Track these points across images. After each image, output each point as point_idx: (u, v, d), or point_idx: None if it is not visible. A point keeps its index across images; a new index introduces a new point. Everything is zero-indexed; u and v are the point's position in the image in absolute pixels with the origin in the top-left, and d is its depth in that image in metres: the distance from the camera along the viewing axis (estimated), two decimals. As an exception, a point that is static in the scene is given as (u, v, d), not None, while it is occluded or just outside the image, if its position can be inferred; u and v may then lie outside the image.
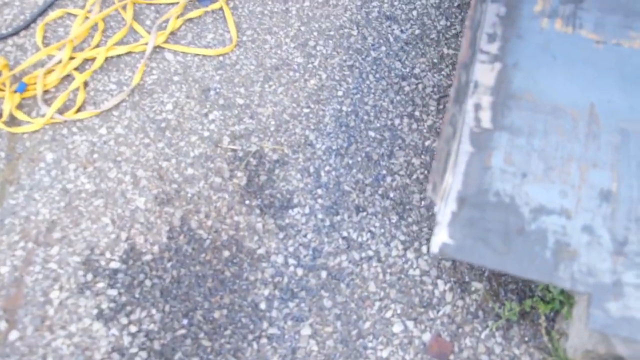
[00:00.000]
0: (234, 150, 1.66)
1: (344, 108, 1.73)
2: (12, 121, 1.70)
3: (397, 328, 1.39)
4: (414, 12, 1.90)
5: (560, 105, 1.10)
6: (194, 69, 1.80)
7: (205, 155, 1.66)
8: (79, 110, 1.71)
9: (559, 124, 1.08)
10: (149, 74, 1.79)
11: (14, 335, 1.40)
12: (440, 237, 0.95)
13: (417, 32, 1.86)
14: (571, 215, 0.99)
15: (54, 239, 1.53)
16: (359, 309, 1.42)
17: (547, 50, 1.17)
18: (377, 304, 1.43)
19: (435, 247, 0.95)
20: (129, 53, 1.82)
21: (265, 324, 1.41)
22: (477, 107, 1.09)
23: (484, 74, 1.12)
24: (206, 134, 1.69)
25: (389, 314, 1.41)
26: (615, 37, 1.19)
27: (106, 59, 1.80)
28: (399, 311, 1.41)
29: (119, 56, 1.81)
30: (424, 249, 1.48)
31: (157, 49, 1.83)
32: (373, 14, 1.89)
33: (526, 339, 1.34)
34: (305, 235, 1.53)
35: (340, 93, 1.75)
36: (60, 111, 1.71)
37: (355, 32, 1.86)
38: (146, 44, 1.81)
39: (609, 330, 0.87)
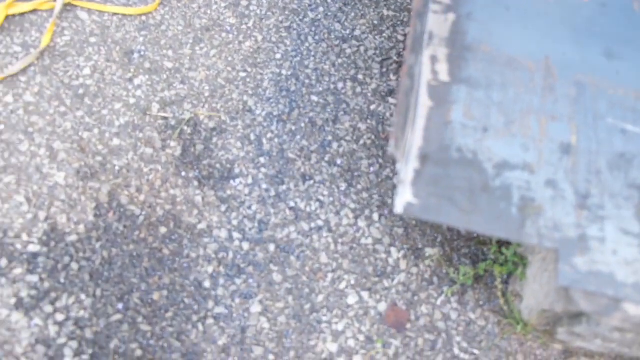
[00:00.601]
0: (165, 119, 1.52)
1: (284, 72, 1.63)
2: None
3: (351, 299, 1.34)
4: (351, -28, 1.82)
5: (516, 57, 1.08)
6: (113, 29, 1.62)
7: (133, 124, 1.50)
8: (-22, 75, 1.48)
9: (516, 76, 1.06)
10: (61, 34, 1.58)
11: None
12: (405, 196, 0.90)
13: (355, -7, 1.79)
14: (534, 169, 0.97)
15: (-45, 223, 1.32)
16: (311, 282, 1.36)
17: (500, 1, 1.14)
18: (330, 275, 1.37)
19: (399, 207, 0.89)
20: (34, 11, 1.59)
21: (210, 304, 1.31)
22: (434, 59, 1.04)
23: (438, 24, 1.07)
24: (132, 100, 1.53)
25: (342, 286, 1.36)
26: (565, -10, 1.18)
27: (7, 17, 1.57)
28: (352, 282, 1.36)
29: (22, 14, 1.59)
30: (375, 216, 1.44)
31: (68, 7, 1.62)
32: (309, -27, 1.79)
33: (481, 302, 1.34)
34: (249, 207, 1.43)
35: (278, 56, 1.65)
36: (-45, 76, 1.47)
37: (291, -8, 1.76)
38: (54, 0, 1.59)
39: (578, 285, 0.87)
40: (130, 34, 1.62)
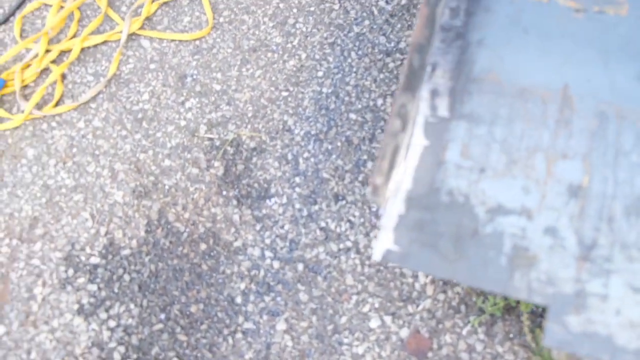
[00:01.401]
0: (211, 139, 1.62)
1: (324, 90, 1.64)
2: (-6, 118, 1.70)
3: (374, 323, 1.34)
4: (401, -20, 1.77)
5: (529, 87, 1.00)
6: (170, 55, 1.75)
7: (182, 145, 1.62)
8: (57, 104, 1.70)
9: (526, 108, 0.98)
10: (126, 63, 1.75)
11: (0, 330, 1.44)
12: (384, 243, 0.89)
13: (403, 1, 1.74)
14: (533, 215, 0.90)
15: (36, 235, 1.54)
16: (335, 303, 1.38)
17: (518, 23, 1.06)
18: (355, 297, 1.38)
19: (377, 254, 0.89)
20: (105, 42, 1.78)
21: (240, 319, 1.40)
22: (434, 93, 1.00)
23: (444, 54, 1.02)
24: (183, 123, 1.65)
25: (366, 309, 1.36)
26: (598, 4, 1.06)
27: (82, 49, 1.77)
28: (376, 305, 1.36)
29: (95, 46, 1.78)
30: (403, 238, 1.41)
31: (133, 36, 1.78)
32: (356, -16, 1.77)
33: (511, 335, 1.27)
34: (282, 227, 1.49)
35: (320, 74, 1.67)
36: (39, 106, 1.70)
37: (337, 6, 1.76)
38: (121, 31, 1.76)
39: (567, 347, 0.80)
40: (185, 59, 1.74)
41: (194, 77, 1.71)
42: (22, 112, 1.69)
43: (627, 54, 1.01)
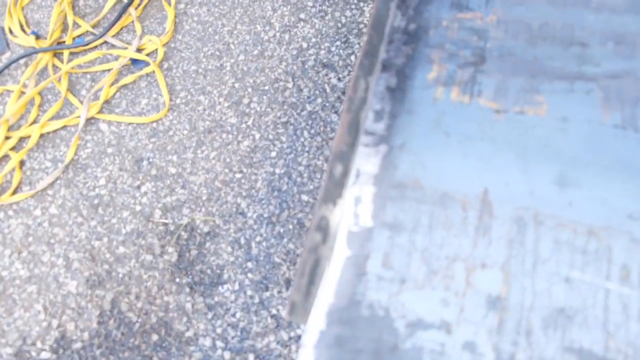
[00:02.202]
0: (165, 224, 1.62)
1: (277, 170, 1.66)
2: (-48, 208, 1.71)
3: (323, 416, 1.31)
4: (352, 57, 1.80)
5: (450, 193, 1.00)
6: (128, 138, 1.77)
7: (137, 231, 1.62)
8: (14, 192, 1.71)
9: (447, 215, 0.98)
10: (84, 147, 1.77)
11: None
12: (305, 362, 0.88)
13: (355, 78, 1.76)
14: (452, 329, 0.89)
15: (-12, 330, 1.53)
16: (285, 396, 1.36)
17: (439, 126, 1.07)
18: (305, 389, 1.35)
19: (298, 375, 0.87)
20: (64, 127, 1.80)
21: (190, 415, 1.37)
22: (357, 200, 1.00)
23: (368, 159, 1.03)
24: (138, 208, 1.66)
25: (315, 400, 1.33)
26: (518, 104, 1.08)
27: (42, 135, 1.79)
28: (326, 397, 1.33)
29: (54, 131, 1.80)
30: (353, 326, 1.40)
31: (92, 120, 1.81)
32: (309, 62, 1.81)
33: None
34: (234, 315, 1.47)
35: (273, 154, 1.68)
36: (-3, 194, 1.71)
37: (290, 85, 1.79)
38: (79, 116, 1.79)
39: None
40: (142, 142, 1.76)
41: (150, 160, 1.73)
42: (-20, 201, 1.70)
43: (545, 157, 1.02)
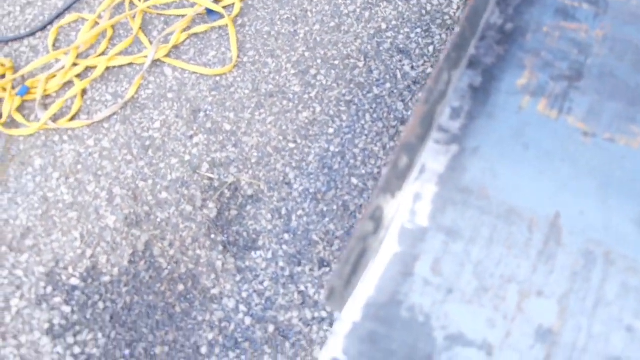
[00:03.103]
0: (210, 179, 1.61)
1: (332, 148, 1.62)
2: (12, 123, 1.75)
3: (331, 403, 1.29)
4: (430, 48, 1.73)
5: (517, 209, 0.94)
6: (189, 87, 1.76)
7: (182, 180, 1.62)
8: (72, 118, 1.73)
9: (510, 232, 0.92)
10: (145, 87, 1.77)
11: (-27, 335, 1.46)
12: (332, 349, 0.85)
13: (429, 70, 1.70)
14: (493, 352, 0.84)
15: (25, 245, 1.57)
16: (297, 374, 1.34)
17: (519, 136, 1.01)
18: (318, 371, 1.34)
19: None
20: (130, 64, 1.81)
21: (201, 371, 1.37)
22: (417, 197, 0.95)
23: (436, 157, 0.98)
24: (187, 157, 1.65)
25: (327, 385, 1.31)
26: (610, 130, 1.00)
27: (107, 68, 1.80)
28: (338, 384, 1.31)
29: (120, 66, 1.81)
30: (379, 320, 1.36)
31: (158, 62, 1.80)
32: (385, 45, 1.75)
33: None
34: (262, 283, 1.46)
35: (331, 131, 1.64)
36: (56, 117, 1.73)
37: (361, 64, 1.73)
38: (147, 56, 1.78)
39: None
40: (202, 93, 1.75)
41: (207, 113, 1.71)
42: (38, 121, 1.73)
43: (629, 192, 0.94)
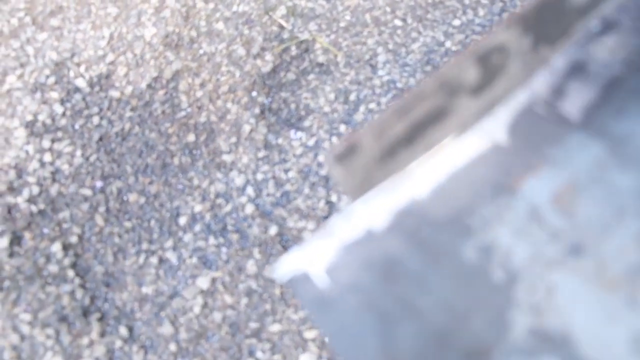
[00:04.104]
0: (281, 27, 1.22)
1: (448, 44, 1.16)
2: None
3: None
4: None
5: None
6: None
7: (248, 16, 1.25)
8: None
9: None
10: None
11: (-43, 98, 1.22)
12: (311, 258, 0.45)
13: None
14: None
15: (49, 25, 1.29)
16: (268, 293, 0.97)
17: None
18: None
19: (282, 272, 0.45)
20: None
21: (169, 243, 1.04)
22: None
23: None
24: (266, -7, 1.27)
25: (310, 331, 0.93)
26: None
27: None
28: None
29: None
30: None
31: None
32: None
33: None
34: (287, 171, 1.08)
35: (457, 22, 1.18)
36: None
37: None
38: None
39: None
40: None
41: (312, -50, 1.30)
42: None
43: None
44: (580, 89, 0.50)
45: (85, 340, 0.93)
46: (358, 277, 0.46)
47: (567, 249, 0.44)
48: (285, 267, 0.46)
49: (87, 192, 1.09)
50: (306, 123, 1.12)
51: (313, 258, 0.46)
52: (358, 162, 0.48)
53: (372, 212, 0.47)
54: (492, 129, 0.49)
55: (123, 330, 0.95)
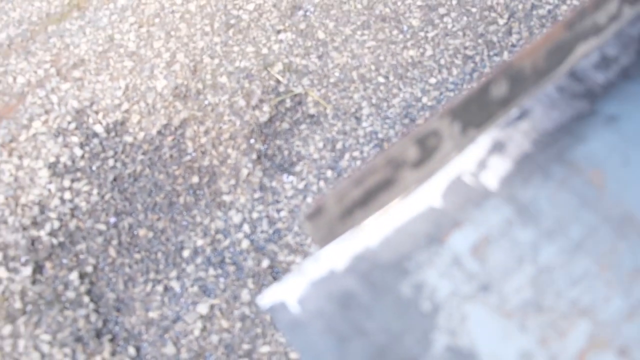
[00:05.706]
0: (278, 82, 1.38)
1: (425, 100, 1.31)
2: (116, -46, 1.63)
3: (291, 375, 1.04)
4: (597, 31, 1.34)
5: (637, 219, 0.61)
6: (301, -20, 1.53)
7: (249, 72, 1.41)
8: (172, -30, 1.57)
9: (614, 245, 0.60)
10: (256, -34, 1.57)
11: (-12, 140, 1.37)
12: (286, 290, 0.59)
13: (583, 56, 1.32)
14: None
15: (72, 75, 1.45)
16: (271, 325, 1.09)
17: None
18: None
19: (266, 300, 0.59)
20: (252, -63, 1.61)
21: (173, 273, 1.17)
22: (497, 146, 0.65)
23: (548, 107, 0.67)
24: (265, 51, 1.43)
25: (296, 354, 1.06)
26: None
27: None
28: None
29: (241, -64, 1.62)
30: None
31: (281, -56, 1.58)
32: (540, 10, 1.38)
33: None
34: (279, 211, 1.22)
35: (433, 80, 1.34)
36: (157, -36, 1.59)
37: (502, 22, 1.39)
38: None
39: None
40: (311, -8, 1.51)
41: (307, 13, 1.48)
42: (140, -39, 1.59)
43: None
44: (498, 163, 0.65)
45: (98, 359, 1.05)
46: (322, 306, 0.60)
47: (478, 287, 0.59)
48: (268, 297, 0.60)
49: (102, 226, 1.23)
50: (297, 168, 1.26)
51: (288, 291, 0.61)
52: (324, 219, 0.62)
53: (334, 257, 0.62)
54: (429, 194, 0.64)
55: (131, 350, 1.07)
